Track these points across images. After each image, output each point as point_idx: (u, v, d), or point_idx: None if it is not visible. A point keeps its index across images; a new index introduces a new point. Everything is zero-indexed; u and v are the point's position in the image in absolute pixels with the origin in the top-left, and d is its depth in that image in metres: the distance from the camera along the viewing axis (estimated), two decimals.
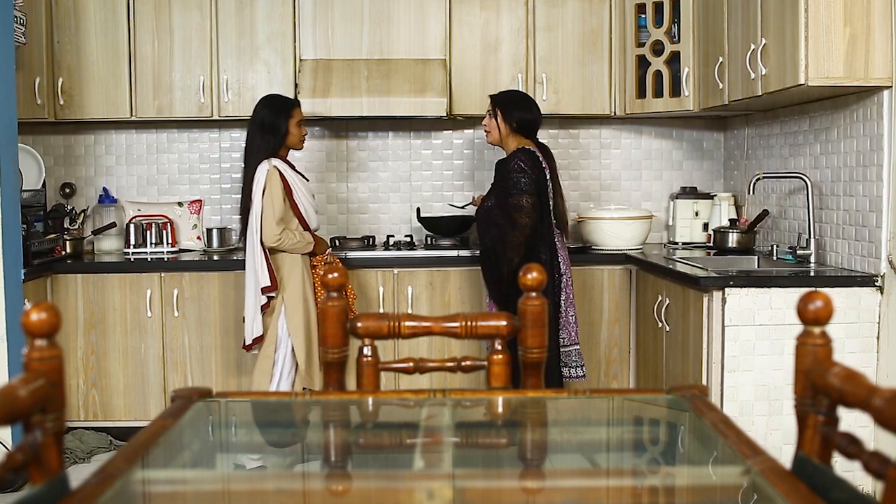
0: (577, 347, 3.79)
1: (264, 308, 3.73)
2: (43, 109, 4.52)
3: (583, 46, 4.67)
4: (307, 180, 3.92)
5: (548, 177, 3.71)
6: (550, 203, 3.71)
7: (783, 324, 3.34)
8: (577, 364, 3.77)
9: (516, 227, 3.60)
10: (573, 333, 3.76)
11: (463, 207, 4.68)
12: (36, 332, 1.10)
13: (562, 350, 3.72)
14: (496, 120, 3.78)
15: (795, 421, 1.21)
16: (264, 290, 3.70)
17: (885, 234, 3.37)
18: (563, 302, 3.72)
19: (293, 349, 3.73)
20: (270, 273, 3.68)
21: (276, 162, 3.71)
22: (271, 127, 3.75)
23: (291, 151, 3.88)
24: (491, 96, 3.87)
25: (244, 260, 3.79)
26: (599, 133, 5.05)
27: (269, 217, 3.66)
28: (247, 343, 3.76)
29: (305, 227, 3.79)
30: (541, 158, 3.71)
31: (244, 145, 3.83)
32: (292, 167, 3.81)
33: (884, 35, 3.27)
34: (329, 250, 3.96)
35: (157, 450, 1.29)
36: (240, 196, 3.86)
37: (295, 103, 3.87)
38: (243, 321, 3.83)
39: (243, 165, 3.82)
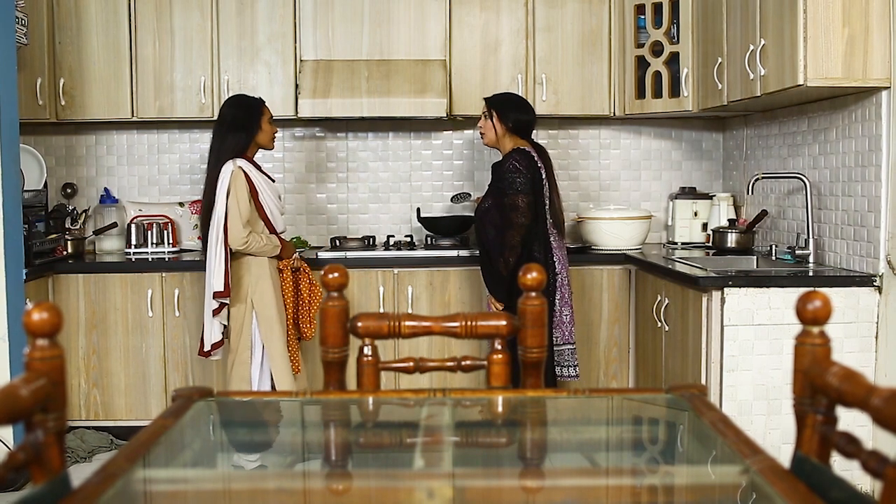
0: (572, 347, 3.78)
1: (216, 312, 3.61)
2: (44, 110, 4.53)
3: (582, 47, 4.68)
4: (273, 181, 3.82)
5: (543, 176, 3.72)
6: (546, 202, 3.72)
7: (782, 323, 3.34)
8: (571, 364, 3.77)
9: (513, 227, 3.61)
10: (567, 332, 3.75)
11: (470, 199, 4.69)
12: (37, 332, 1.10)
13: (555, 349, 3.73)
14: (492, 121, 3.79)
15: (794, 420, 1.22)
16: (216, 295, 3.57)
17: (884, 234, 3.37)
18: (557, 301, 3.72)
19: (268, 353, 3.66)
20: (226, 278, 3.55)
21: (240, 162, 3.61)
22: (243, 125, 3.65)
23: (273, 153, 3.79)
24: (485, 99, 3.88)
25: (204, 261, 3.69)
26: (599, 133, 5.06)
27: (235, 219, 3.56)
28: (205, 349, 3.65)
29: (272, 229, 3.70)
30: (536, 158, 3.71)
31: (209, 147, 3.74)
32: (258, 168, 3.72)
33: (882, 36, 3.27)
34: (296, 254, 3.85)
35: (158, 449, 1.29)
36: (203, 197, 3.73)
37: (263, 101, 3.78)
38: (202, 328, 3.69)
39: (208, 165, 3.69)
